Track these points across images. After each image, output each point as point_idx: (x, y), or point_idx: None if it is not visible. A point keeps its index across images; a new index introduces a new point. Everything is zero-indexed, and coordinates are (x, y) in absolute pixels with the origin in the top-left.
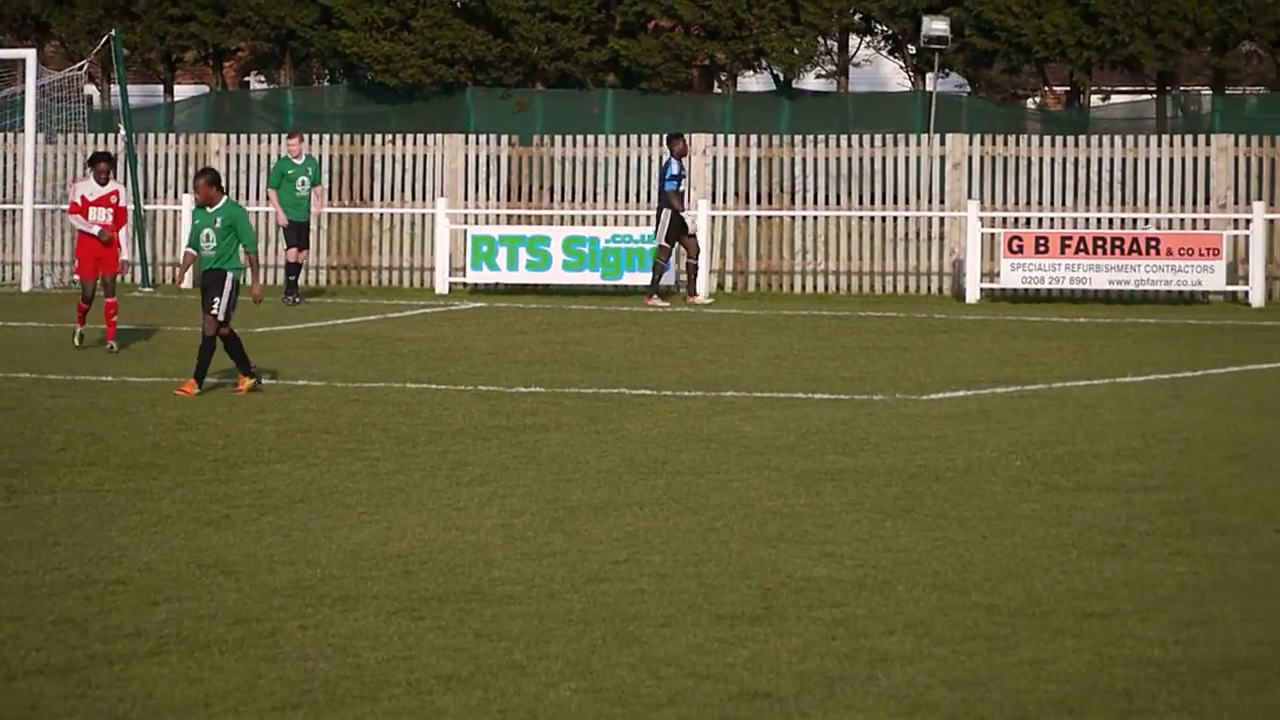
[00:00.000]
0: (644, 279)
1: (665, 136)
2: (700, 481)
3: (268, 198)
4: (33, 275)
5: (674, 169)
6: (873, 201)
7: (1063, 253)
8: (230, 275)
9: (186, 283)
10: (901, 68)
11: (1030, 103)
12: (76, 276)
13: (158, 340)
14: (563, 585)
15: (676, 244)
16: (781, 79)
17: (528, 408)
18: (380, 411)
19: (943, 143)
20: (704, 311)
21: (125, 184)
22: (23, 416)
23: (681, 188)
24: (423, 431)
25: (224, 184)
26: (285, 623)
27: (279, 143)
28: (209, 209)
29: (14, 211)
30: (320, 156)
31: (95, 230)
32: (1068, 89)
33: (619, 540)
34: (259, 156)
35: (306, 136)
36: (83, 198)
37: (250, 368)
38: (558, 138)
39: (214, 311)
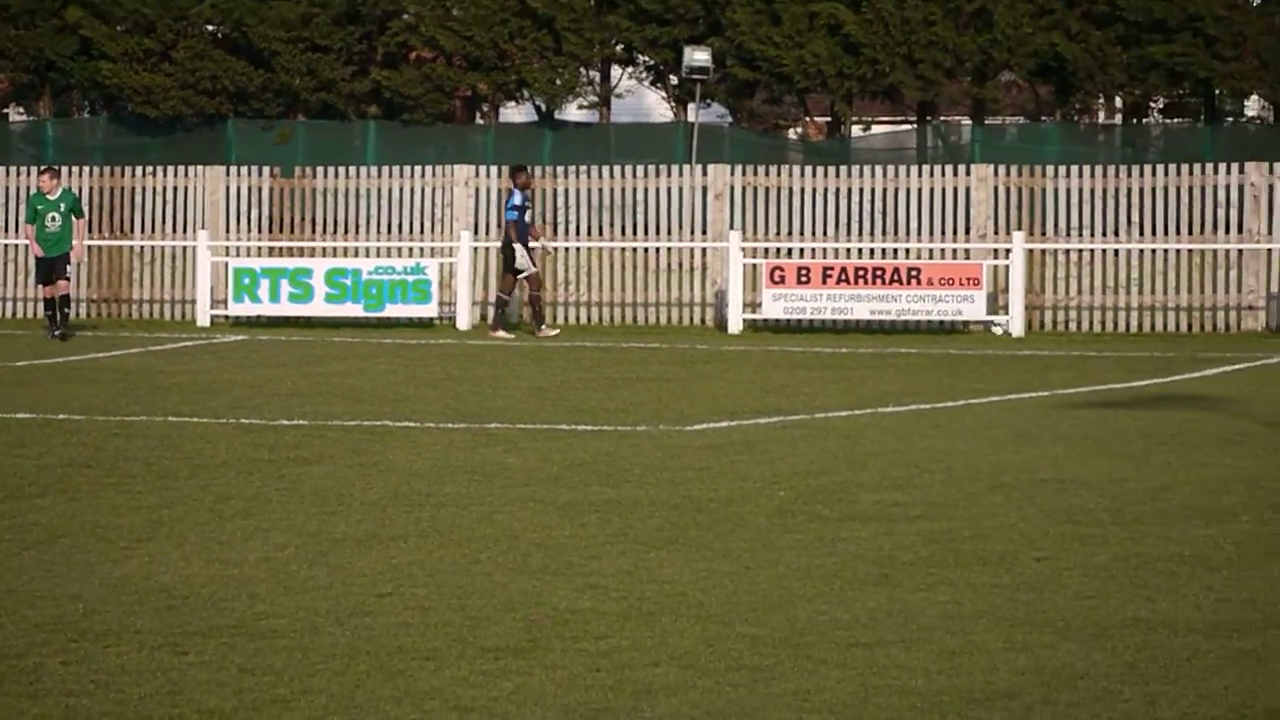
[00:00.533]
0: (406, 311)
1: (509, 169)
2: (464, 514)
3: (26, 233)
4: None
5: (515, 199)
6: (635, 232)
7: (824, 283)
8: None
9: None
10: (664, 98)
11: (792, 133)
12: None
13: None
14: (327, 619)
15: (515, 276)
16: (544, 109)
17: (291, 440)
18: (142, 445)
19: (705, 173)
20: (466, 343)
21: None
22: None
23: (527, 219)
24: (185, 465)
25: None
26: (47, 659)
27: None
28: None
29: None
30: (80, 189)
31: None
32: (829, 119)
33: (383, 573)
34: (18, 189)
35: (64, 170)
36: None
37: None
38: (319, 169)
39: None
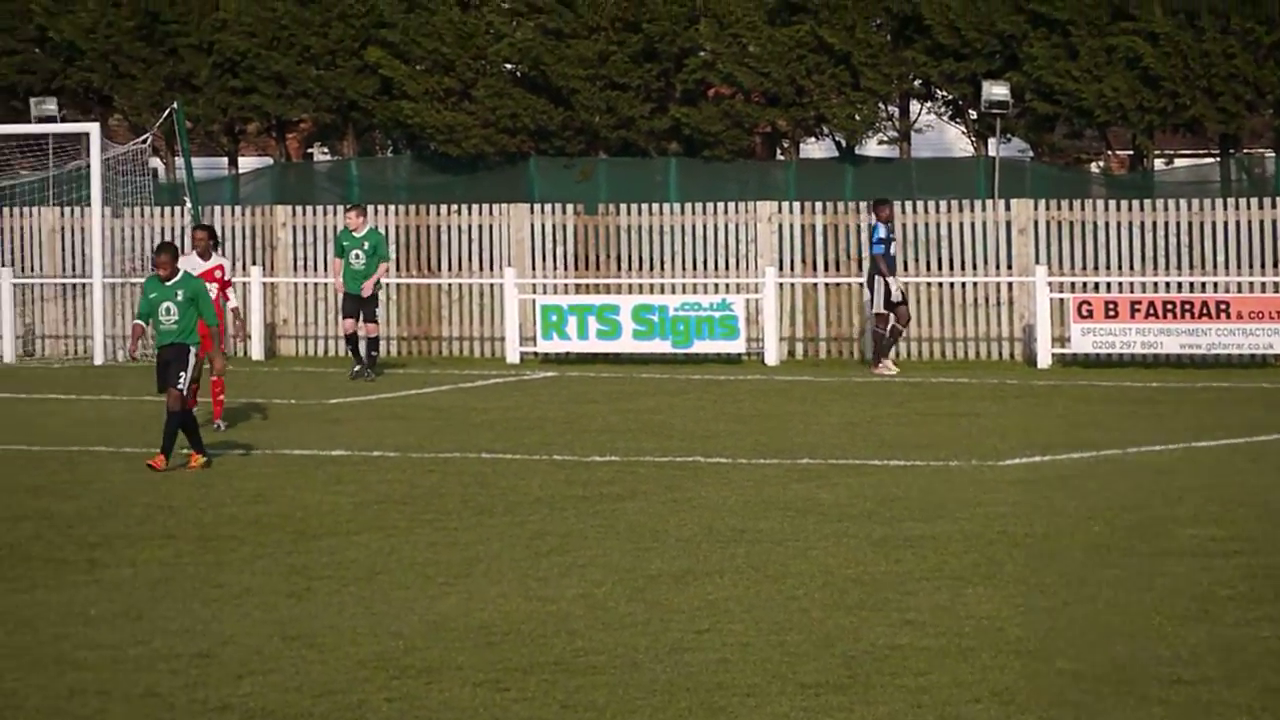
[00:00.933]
0: (714, 347)
1: (871, 203)
2: (779, 549)
3: (333, 268)
4: (105, 349)
5: (880, 233)
6: (940, 267)
7: (1132, 317)
8: (192, 349)
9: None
10: (964, 133)
11: (1094, 167)
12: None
13: (237, 412)
14: (646, 655)
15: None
16: (844, 145)
17: (604, 477)
18: (457, 482)
19: (1008, 208)
20: (775, 379)
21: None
22: (101, 490)
23: (892, 252)
24: (500, 501)
25: (292, 255)
26: (371, 695)
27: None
28: (167, 283)
29: (84, 285)
30: (386, 227)
31: (229, 308)
32: (1131, 152)
33: (700, 609)
34: (325, 228)
35: (371, 208)
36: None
37: (172, 449)
38: (623, 206)
39: (179, 386)
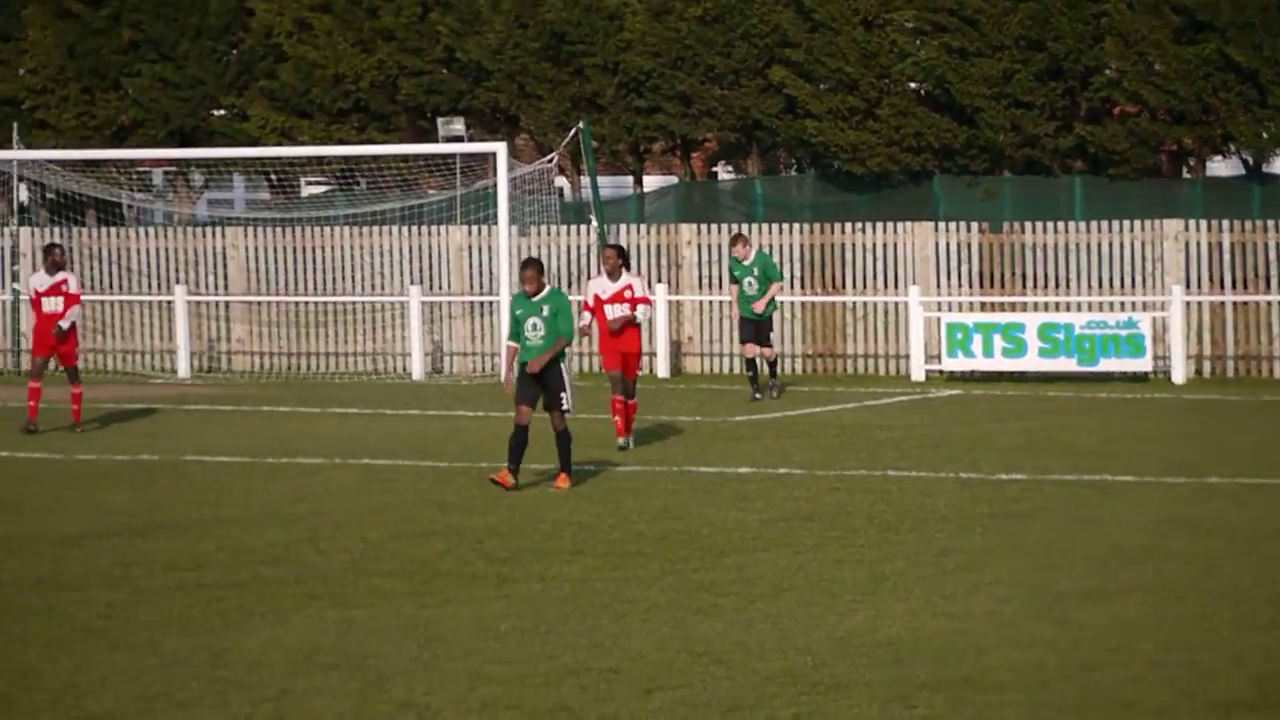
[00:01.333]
0: (1120, 365)
1: None
2: (1188, 568)
3: (731, 294)
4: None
5: None
6: None
7: None
8: (562, 363)
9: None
10: None
11: None
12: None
13: (645, 430)
14: (1055, 673)
15: None
16: (1251, 163)
17: (1010, 494)
18: (863, 499)
19: None
20: (1182, 397)
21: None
22: (509, 506)
23: None
24: (906, 519)
25: (697, 273)
26: (779, 710)
27: (748, 233)
28: (533, 298)
29: (491, 303)
30: (790, 246)
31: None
32: None
33: (1109, 627)
34: (722, 246)
35: (774, 226)
36: (595, 296)
37: (571, 466)
38: (1028, 224)
39: (565, 408)
